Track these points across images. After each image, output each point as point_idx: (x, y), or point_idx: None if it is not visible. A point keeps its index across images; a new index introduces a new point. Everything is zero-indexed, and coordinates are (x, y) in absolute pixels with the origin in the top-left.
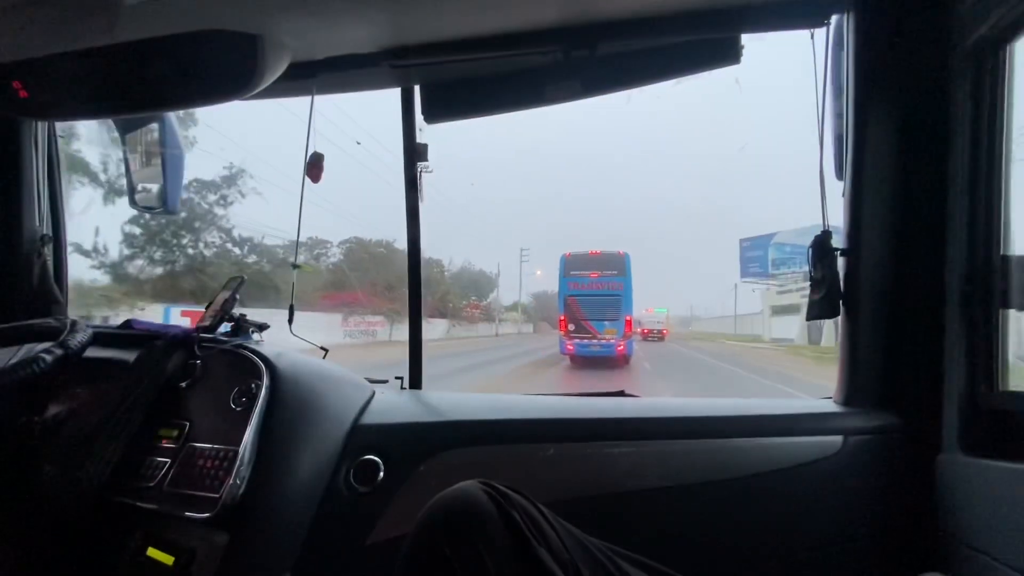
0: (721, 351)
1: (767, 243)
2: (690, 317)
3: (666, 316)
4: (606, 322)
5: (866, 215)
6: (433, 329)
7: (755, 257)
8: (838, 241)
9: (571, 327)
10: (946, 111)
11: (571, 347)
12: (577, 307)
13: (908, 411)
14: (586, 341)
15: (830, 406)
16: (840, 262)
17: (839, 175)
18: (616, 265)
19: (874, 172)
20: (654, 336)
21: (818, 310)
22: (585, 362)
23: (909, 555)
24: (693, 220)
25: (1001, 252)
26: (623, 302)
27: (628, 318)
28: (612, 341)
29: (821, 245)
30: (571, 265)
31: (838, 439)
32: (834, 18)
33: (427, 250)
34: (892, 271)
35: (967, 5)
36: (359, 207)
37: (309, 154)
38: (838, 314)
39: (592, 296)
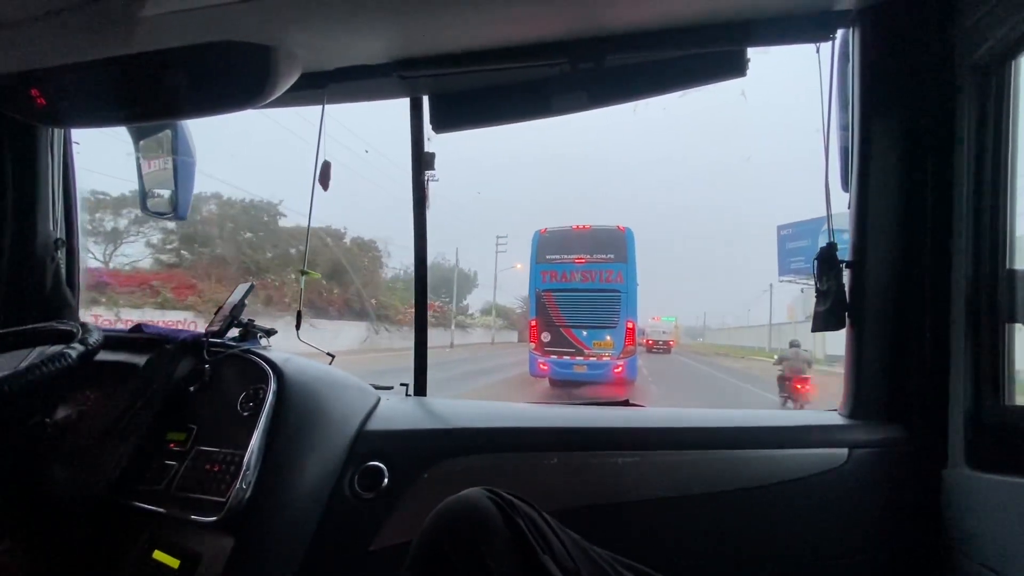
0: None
1: (816, 229)
2: (702, 328)
3: (674, 326)
4: (599, 330)
5: (871, 227)
6: (336, 337)
7: (799, 248)
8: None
9: (545, 337)
10: (951, 125)
11: (545, 366)
12: (555, 307)
13: (914, 424)
14: (567, 358)
15: (835, 418)
16: (846, 274)
17: (845, 187)
18: (613, 246)
19: (879, 185)
20: (659, 348)
21: (823, 322)
22: (569, 385)
23: (914, 570)
24: (703, 227)
25: (1007, 266)
26: (623, 300)
27: (630, 324)
28: (607, 359)
29: (826, 257)
30: (547, 246)
31: (843, 452)
32: (840, 32)
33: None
34: (898, 283)
35: (972, 20)
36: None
37: (320, 163)
38: (843, 326)
39: (578, 292)
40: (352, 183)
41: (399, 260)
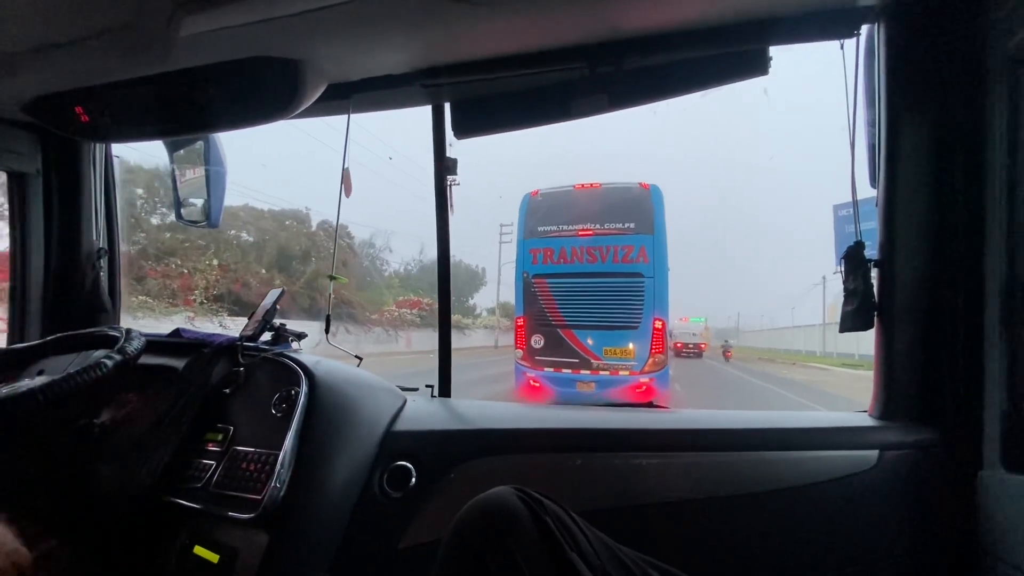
0: None
1: None
2: (734, 329)
3: (703, 327)
4: (614, 333)
5: (900, 225)
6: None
7: (865, 232)
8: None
9: (537, 341)
10: (982, 119)
11: (537, 382)
12: (551, 300)
13: (947, 426)
14: (568, 372)
15: (865, 420)
16: (874, 273)
17: (873, 184)
18: (633, 211)
19: (908, 182)
20: (689, 351)
21: (851, 322)
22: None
23: (948, 573)
24: (732, 223)
25: None
26: (649, 289)
27: (659, 323)
28: (625, 374)
29: (854, 256)
30: (540, 213)
31: (873, 454)
32: (865, 28)
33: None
34: (928, 282)
35: (1003, 12)
36: None
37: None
38: (872, 326)
39: (583, 278)
40: (369, 181)
41: (399, 256)
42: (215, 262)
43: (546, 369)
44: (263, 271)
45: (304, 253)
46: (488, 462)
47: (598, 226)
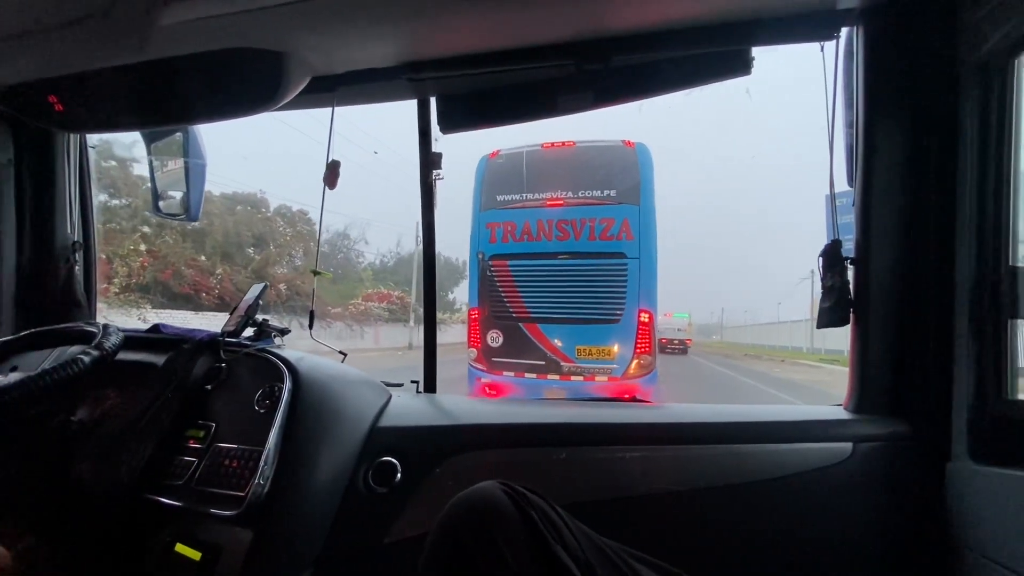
0: None
1: None
2: (716, 325)
3: (687, 323)
4: (590, 329)
5: (875, 224)
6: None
7: (846, 226)
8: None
9: (494, 339)
10: (955, 122)
11: (493, 388)
12: (512, 289)
13: (917, 419)
14: (533, 377)
15: (840, 413)
16: (850, 271)
17: (851, 183)
18: (615, 175)
19: (883, 182)
20: (674, 347)
21: (828, 318)
22: None
23: (917, 563)
24: (713, 221)
25: (1010, 263)
26: (634, 273)
27: (645, 316)
28: (602, 379)
29: (831, 254)
30: (500, 180)
31: (847, 446)
32: (844, 31)
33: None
34: (901, 280)
35: (976, 19)
36: None
37: (328, 161)
38: (848, 322)
39: (551, 262)
40: (351, 172)
41: (376, 247)
42: (142, 247)
43: (505, 373)
44: (203, 258)
45: (256, 239)
46: (473, 457)
47: (571, 194)
